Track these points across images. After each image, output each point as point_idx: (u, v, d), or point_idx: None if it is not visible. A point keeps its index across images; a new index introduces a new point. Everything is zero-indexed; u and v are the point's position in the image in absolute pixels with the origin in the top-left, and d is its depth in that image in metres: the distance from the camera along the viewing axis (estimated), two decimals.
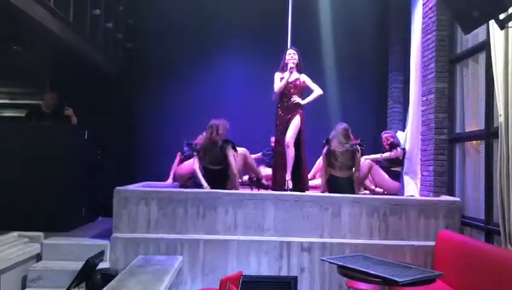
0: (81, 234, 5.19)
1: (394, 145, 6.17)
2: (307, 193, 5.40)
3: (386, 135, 6.38)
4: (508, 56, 3.86)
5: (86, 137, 5.84)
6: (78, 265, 4.00)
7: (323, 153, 5.68)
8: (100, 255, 4.23)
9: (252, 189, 5.51)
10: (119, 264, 4.57)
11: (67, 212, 5.31)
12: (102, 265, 4.31)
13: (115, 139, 7.44)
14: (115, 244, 4.66)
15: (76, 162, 5.48)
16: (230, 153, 5.28)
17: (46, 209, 5.05)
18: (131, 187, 5.10)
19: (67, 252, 4.61)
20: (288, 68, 5.70)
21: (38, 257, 4.63)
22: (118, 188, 4.85)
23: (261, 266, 4.73)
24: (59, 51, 6.27)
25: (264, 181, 5.74)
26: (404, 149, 6.18)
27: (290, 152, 5.54)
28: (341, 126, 5.66)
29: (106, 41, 7.09)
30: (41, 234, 4.72)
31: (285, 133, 5.63)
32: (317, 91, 5.73)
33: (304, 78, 5.78)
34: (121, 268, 4.42)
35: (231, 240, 4.75)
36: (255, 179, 5.75)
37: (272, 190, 5.59)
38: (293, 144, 5.57)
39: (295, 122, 5.62)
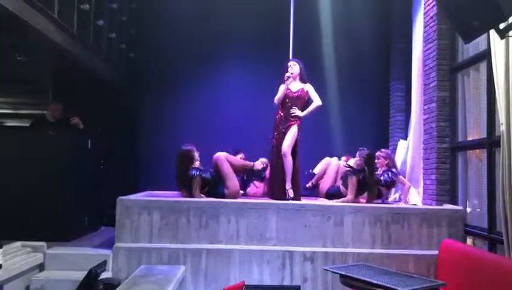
0: (83, 243, 5.19)
1: (392, 182, 5.81)
2: (309, 202, 5.39)
3: (381, 154, 5.99)
4: (509, 65, 3.88)
5: (89, 146, 5.87)
6: (81, 275, 4.00)
7: (356, 179, 5.46)
8: (102, 265, 4.23)
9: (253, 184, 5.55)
10: (122, 274, 4.57)
11: (70, 221, 5.31)
12: (104, 275, 4.30)
13: (118, 149, 7.46)
14: (117, 254, 4.67)
15: (79, 171, 5.49)
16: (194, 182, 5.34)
17: (49, 218, 5.04)
18: (133, 197, 5.11)
19: (70, 262, 4.61)
20: (286, 76, 5.72)
21: (41, 267, 4.63)
22: (120, 197, 4.86)
23: (263, 276, 4.72)
24: (62, 61, 6.31)
25: (257, 167, 5.71)
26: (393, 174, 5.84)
27: (288, 161, 5.55)
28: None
29: (109, 51, 7.14)
30: (44, 243, 4.72)
31: (281, 143, 5.64)
32: (315, 102, 5.71)
33: (308, 87, 5.79)
34: (124, 278, 4.42)
35: (233, 250, 4.75)
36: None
37: (272, 199, 5.59)
38: (290, 153, 5.58)
39: (292, 132, 5.62)
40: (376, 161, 5.86)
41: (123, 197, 4.88)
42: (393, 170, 5.82)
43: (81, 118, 6.12)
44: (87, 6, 5.93)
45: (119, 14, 7.42)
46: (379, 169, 5.90)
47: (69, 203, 5.25)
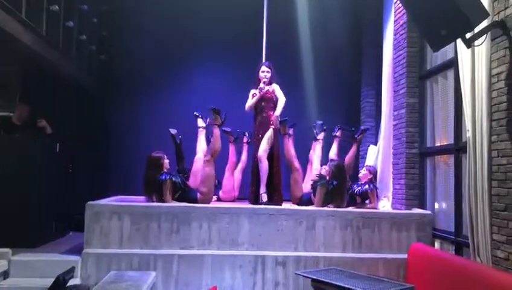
0: (50, 249, 5.06)
1: (366, 193, 5.82)
2: (281, 206, 5.41)
3: (368, 168, 6.10)
4: (475, 73, 3.99)
5: (57, 150, 5.74)
6: (48, 282, 3.89)
7: (325, 190, 5.46)
8: (70, 272, 4.12)
9: None
10: (91, 281, 4.48)
11: (37, 227, 5.18)
12: (72, 282, 4.19)
13: (88, 153, 7.32)
14: (86, 260, 4.58)
15: (46, 175, 5.37)
16: (165, 186, 5.27)
17: (14, 224, 4.91)
18: (103, 201, 5.03)
19: (36, 269, 4.49)
20: (259, 87, 5.76)
21: (5, 274, 4.49)
22: (89, 202, 4.77)
23: (235, 281, 4.71)
24: (30, 63, 6.16)
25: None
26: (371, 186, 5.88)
27: (263, 166, 5.58)
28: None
29: (79, 53, 7.01)
30: (8, 250, 4.58)
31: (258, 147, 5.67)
32: (281, 100, 5.78)
33: (274, 87, 5.85)
34: (93, 285, 4.34)
35: (205, 255, 4.72)
36: None
37: (253, 204, 5.59)
38: (265, 158, 5.61)
39: (267, 136, 5.67)
40: (362, 172, 6.05)
41: (92, 202, 4.80)
42: (372, 185, 5.89)
43: (49, 122, 5.98)
44: (57, 7, 5.80)
45: (90, 15, 7.29)
46: (361, 180, 6.00)
47: (35, 208, 5.13)
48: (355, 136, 6.11)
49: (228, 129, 6.37)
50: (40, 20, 5.53)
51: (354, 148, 6.12)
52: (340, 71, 7.93)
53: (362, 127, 6.14)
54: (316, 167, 6.15)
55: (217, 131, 5.61)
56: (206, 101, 7.38)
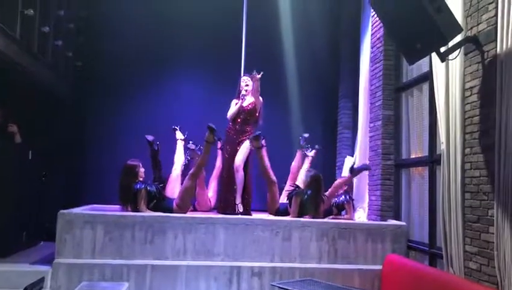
0: (20, 259, 4.91)
1: (342, 204, 5.87)
2: (257, 216, 5.39)
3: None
4: (449, 87, 4.07)
5: (29, 157, 5.60)
6: None
7: (300, 200, 5.47)
8: (40, 283, 4.03)
9: None
10: None
11: (6, 236, 5.03)
12: None
13: (62, 161, 7.16)
14: (57, 271, 4.46)
15: (17, 183, 5.23)
16: (139, 195, 5.21)
17: None
18: (76, 210, 4.91)
19: (4, 280, 4.35)
20: (241, 95, 5.79)
21: None
22: (61, 211, 4.66)
23: None
24: (3, 68, 6.02)
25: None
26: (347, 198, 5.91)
27: (240, 176, 5.57)
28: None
29: (55, 59, 6.88)
30: None
31: (233, 156, 5.66)
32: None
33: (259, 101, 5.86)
34: None
35: (180, 266, 4.65)
36: None
37: (222, 213, 5.56)
38: (242, 168, 5.60)
39: (245, 146, 5.67)
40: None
41: (64, 211, 4.68)
42: (349, 196, 5.89)
43: (22, 129, 5.83)
44: (32, 11, 5.69)
45: (66, 21, 7.18)
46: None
47: (5, 216, 4.98)
48: (355, 168, 5.88)
49: (193, 147, 6.22)
50: (14, 24, 5.42)
51: (348, 177, 5.94)
52: (318, 83, 7.99)
53: (364, 165, 5.88)
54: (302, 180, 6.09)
55: (206, 147, 5.49)
56: (184, 107, 7.37)
